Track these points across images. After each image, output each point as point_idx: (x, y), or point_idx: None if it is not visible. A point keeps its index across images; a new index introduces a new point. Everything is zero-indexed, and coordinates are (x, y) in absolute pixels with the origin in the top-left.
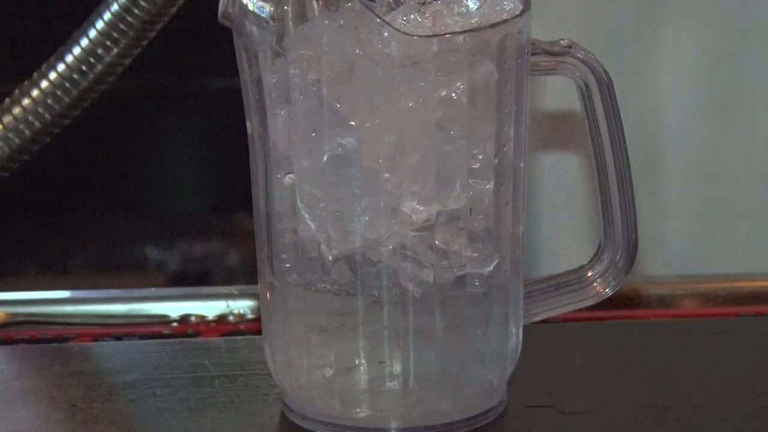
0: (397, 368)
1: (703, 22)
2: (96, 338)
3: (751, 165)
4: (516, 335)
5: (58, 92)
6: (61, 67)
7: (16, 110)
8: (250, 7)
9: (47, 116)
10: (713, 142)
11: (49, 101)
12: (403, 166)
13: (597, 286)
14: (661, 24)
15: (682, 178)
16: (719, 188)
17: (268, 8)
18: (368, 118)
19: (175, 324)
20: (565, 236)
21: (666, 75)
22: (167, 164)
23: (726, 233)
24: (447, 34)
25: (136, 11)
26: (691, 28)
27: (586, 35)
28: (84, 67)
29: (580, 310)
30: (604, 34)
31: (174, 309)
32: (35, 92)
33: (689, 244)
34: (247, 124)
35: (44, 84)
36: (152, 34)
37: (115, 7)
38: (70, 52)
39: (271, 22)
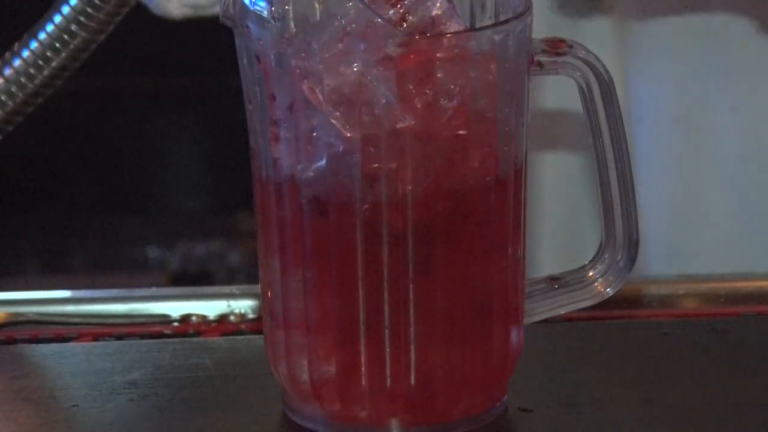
0: (398, 367)
1: (674, 28)
2: (97, 338)
3: (722, 170)
4: (517, 335)
5: (31, 70)
6: (34, 44)
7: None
8: (251, 6)
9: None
10: (684, 146)
11: (22, 79)
12: (405, 167)
13: (598, 285)
14: (631, 31)
15: (655, 183)
16: (691, 193)
17: (268, 8)
18: (368, 119)
19: (176, 324)
20: (566, 236)
21: (636, 82)
22: (167, 164)
23: (699, 237)
24: (447, 34)
25: None
26: (661, 34)
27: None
28: (58, 44)
29: (581, 309)
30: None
31: (175, 309)
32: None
33: (662, 246)
34: (248, 123)
35: (17, 63)
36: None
37: None
38: (43, 29)
39: (272, 21)
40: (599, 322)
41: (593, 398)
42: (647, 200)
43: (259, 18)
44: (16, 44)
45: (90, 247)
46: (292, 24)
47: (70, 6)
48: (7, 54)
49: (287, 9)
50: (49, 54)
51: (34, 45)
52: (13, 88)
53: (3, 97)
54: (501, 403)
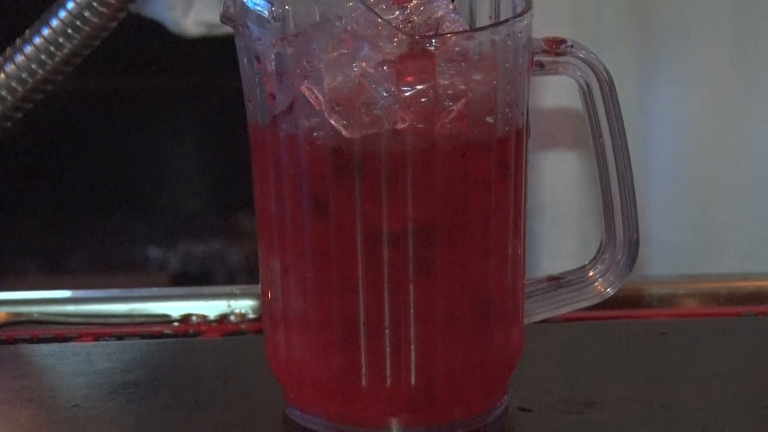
0: (398, 367)
1: (695, 33)
2: (97, 338)
3: (738, 174)
4: (517, 335)
5: (42, 56)
6: (46, 30)
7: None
8: (251, 6)
9: (30, 81)
10: (700, 150)
11: (33, 66)
12: (405, 168)
13: (598, 285)
14: (650, 34)
15: (668, 186)
16: (706, 197)
17: (268, 8)
18: (368, 119)
19: (176, 324)
20: (566, 236)
21: (653, 87)
22: (167, 164)
23: (710, 241)
24: (447, 34)
25: None
26: (681, 39)
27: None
28: (70, 31)
29: (581, 309)
30: (590, 43)
31: (175, 309)
32: (19, 58)
33: (673, 250)
34: (248, 123)
35: (28, 49)
36: None
37: None
38: (56, 15)
39: (272, 21)
40: (599, 322)
41: (593, 398)
42: (658, 201)
43: (259, 18)
44: (28, 31)
45: (90, 247)
46: (292, 24)
47: None
48: (18, 41)
49: (287, 9)
50: (61, 40)
51: (46, 31)
52: (24, 75)
53: (13, 84)
54: (501, 403)
